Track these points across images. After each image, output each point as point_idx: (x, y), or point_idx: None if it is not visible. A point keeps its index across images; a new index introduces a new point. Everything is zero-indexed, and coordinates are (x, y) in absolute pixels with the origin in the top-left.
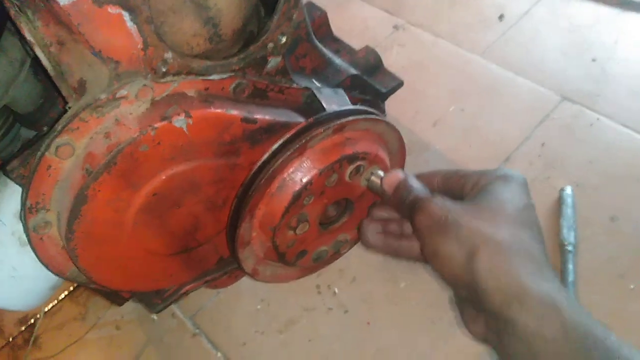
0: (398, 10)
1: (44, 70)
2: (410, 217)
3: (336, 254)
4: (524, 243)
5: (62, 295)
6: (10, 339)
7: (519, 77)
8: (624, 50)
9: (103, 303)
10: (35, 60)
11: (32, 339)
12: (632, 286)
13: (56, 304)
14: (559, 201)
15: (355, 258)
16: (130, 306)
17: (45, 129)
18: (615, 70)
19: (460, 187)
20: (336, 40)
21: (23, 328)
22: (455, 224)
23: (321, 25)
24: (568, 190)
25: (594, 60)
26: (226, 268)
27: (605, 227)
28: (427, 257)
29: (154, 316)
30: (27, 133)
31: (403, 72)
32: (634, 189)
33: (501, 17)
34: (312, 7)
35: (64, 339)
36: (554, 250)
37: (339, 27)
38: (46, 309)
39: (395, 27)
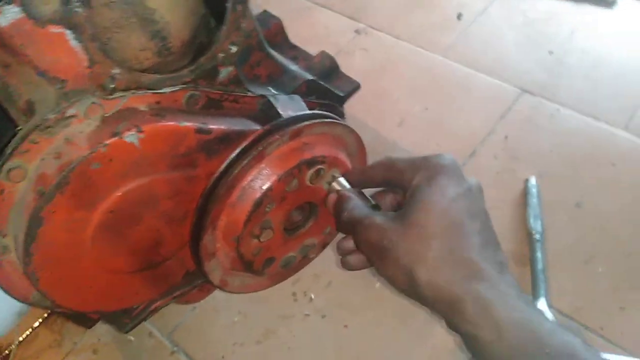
0: (359, 15)
1: None
2: (352, 238)
3: (305, 259)
4: (454, 250)
5: (37, 323)
6: None
7: (480, 74)
8: (579, 42)
9: (79, 328)
10: None
11: None
12: (600, 269)
13: (31, 333)
14: (525, 191)
15: (330, 262)
16: (106, 328)
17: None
18: (572, 61)
19: (399, 182)
20: (293, 47)
21: None
22: (391, 247)
23: (277, 33)
24: (532, 180)
25: (550, 52)
26: (194, 282)
27: (570, 213)
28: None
29: (131, 337)
30: None
31: (367, 75)
32: (596, 175)
33: (459, 16)
34: (267, 15)
35: None
36: (522, 240)
37: (301, 33)
38: (20, 339)
39: (357, 32)
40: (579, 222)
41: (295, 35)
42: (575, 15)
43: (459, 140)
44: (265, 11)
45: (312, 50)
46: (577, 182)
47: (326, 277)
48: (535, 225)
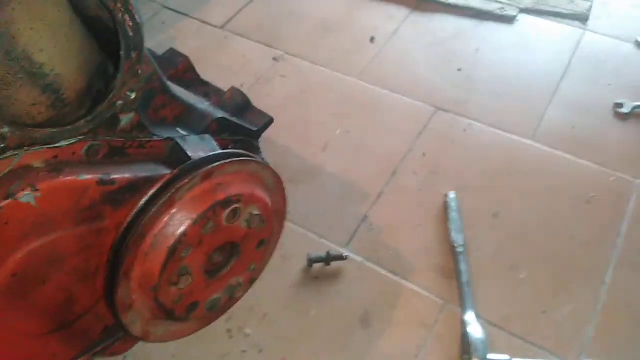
0: (276, 43)
1: None
2: None
3: (232, 299)
4: None
5: None
6: None
7: (395, 94)
8: (485, 57)
9: None
10: None
11: None
12: (522, 276)
13: None
14: (445, 206)
15: (264, 294)
16: None
17: None
18: (479, 76)
19: None
20: (204, 83)
21: None
22: None
23: (186, 71)
24: (452, 195)
25: (459, 70)
26: (115, 335)
27: (489, 223)
28: None
29: None
30: None
31: (288, 101)
32: (510, 184)
33: (372, 39)
34: (174, 53)
35: None
36: (447, 253)
37: (220, 64)
38: None
39: (275, 59)
40: (499, 232)
41: (214, 65)
42: (479, 32)
43: (381, 161)
44: (171, 49)
45: (231, 80)
46: (493, 193)
47: (261, 309)
48: (457, 238)
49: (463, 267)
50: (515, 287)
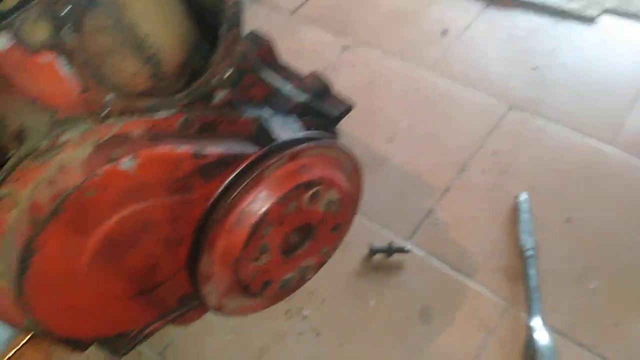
0: (346, 31)
1: None
2: None
3: (302, 280)
4: None
5: (23, 342)
6: None
7: (466, 89)
8: (562, 57)
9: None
10: None
11: None
12: (592, 286)
13: (17, 351)
14: (515, 207)
15: (324, 279)
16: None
17: None
18: (556, 76)
19: None
20: (284, 67)
21: None
22: None
23: (268, 53)
24: (523, 196)
25: (534, 68)
26: (190, 304)
27: (560, 228)
28: None
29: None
30: None
31: (355, 91)
32: (584, 190)
33: (445, 32)
34: (257, 36)
35: None
36: (514, 255)
37: (289, 51)
38: (6, 358)
39: (344, 48)
40: (570, 238)
41: (283, 52)
42: (556, 31)
43: (448, 156)
44: (253, 32)
45: (300, 66)
46: (566, 197)
47: (320, 294)
48: (528, 241)
49: (532, 271)
50: (584, 296)
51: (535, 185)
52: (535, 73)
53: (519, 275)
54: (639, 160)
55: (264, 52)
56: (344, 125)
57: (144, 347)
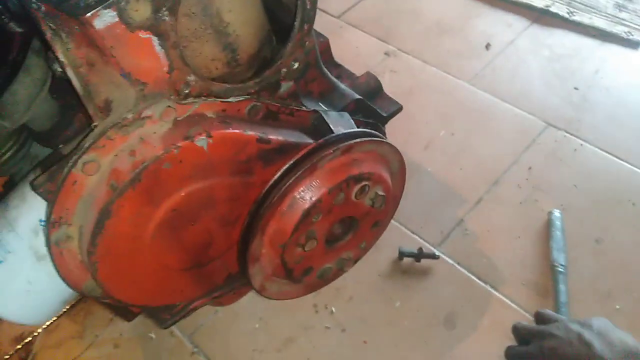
0: (389, 38)
1: (62, 90)
2: None
3: (339, 271)
4: None
5: (60, 313)
6: (6, 357)
7: (505, 104)
8: (604, 80)
9: (101, 321)
10: (55, 79)
11: (29, 357)
12: (617, 306)
13: (53, 322)
14: (548, 224)
15: (352, 278)
16: (128, 324)
17: (60, 146)
18: (596, 98)
19: None
20: (337, 65)
21: (19, 346)
22: None
23: (324, 51)
24: (557, 213)
25: (575, 88)
26: (233, 285)
27: (590, 249)
28: None
29: (152, 334)
30: (35, 150)
31: (395, 97)
32: (616, 212)
33: (488, 46)
34: (315, 33)
35: (61, 358)
36: (543, 271)
37: (333, 52)
38: (43, 327)
39: (387, 54)
40: (600, 258)
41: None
42: (600, 53)
43: (483, 168)
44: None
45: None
46: (598, 218)
47: (347, 291)
48: (559, 258)
49: (562, 287)
50: (609, 316)
51: (567, 203)
52: (575, 93)
53: (546, 290)
54: None
55: (321, 49)
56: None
57: (175, 328)
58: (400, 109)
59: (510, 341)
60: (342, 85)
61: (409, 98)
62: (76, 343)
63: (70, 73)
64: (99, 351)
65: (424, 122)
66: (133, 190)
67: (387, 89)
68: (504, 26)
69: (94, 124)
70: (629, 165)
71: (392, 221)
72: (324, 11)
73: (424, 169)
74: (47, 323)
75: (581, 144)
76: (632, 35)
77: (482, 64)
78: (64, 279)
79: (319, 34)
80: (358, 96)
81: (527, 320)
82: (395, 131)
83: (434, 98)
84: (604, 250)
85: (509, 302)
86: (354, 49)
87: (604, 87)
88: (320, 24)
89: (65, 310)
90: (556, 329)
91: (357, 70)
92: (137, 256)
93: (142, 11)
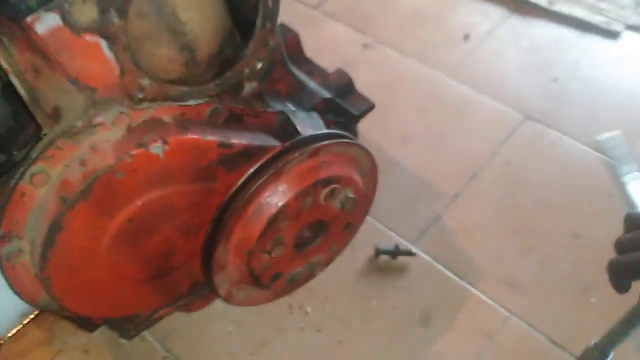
0: (367, 28)
1: (16, 93)
2: None
3: (310, 275)
4: None
5: (27, 320)
6: None
7: (484, 96)
8: (584, 71)
9: (70, 327)
10: (8, 83)
11: None
12: (592, 300)
13: (20, 329)
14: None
15: (327, 277)
16: (98, 329)
17: (14, 152)
18: (576, 89)
19: None
20: (308, 61)
21: None
22: None
23: (293, 47)
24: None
25: (554, 80)
26: (200, 292)
27: (567, 243)
28: None
29: (123, 340)
30: None
31: (372, 90)
32: (593, 205)
33: (466, 36)
34: (284, 28)
35: None
36: (521, 267)
37: (309, 44)
38: (10, 335)
39: (364, 45)
40: (575, 253)
41: (304, 44)
42: (580, 43)
43: (461, 161)
44: (281, 24)
45: (319, 61)
46: (575, 212)
47: (322, 291)
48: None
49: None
50: (584, 310)
51: (545, 197)
52: (554, 85)
53: (523, 285)
54: None
55: (290, 45)
56: (358, 123)
57: (147, 333)
58: (372, 106)
59: (487, 339)
60: (312, 84)
61: (387, 90)
62: (44, 350)
63: (14, 80)
64: (68, 358)
65: (401, 114)
66: (84, 202)
67: (365, 82)
68: (482, 16)
69: (43, 132)
70: (606, 158)
71: (367, 218)
72: (300, 1)
73: (401, 163)
74: (13, 331)
75: (560, 137)
76: (612, 25)
77: (460, 55)
78: (18, 294)
79: (289, 29)
80: (328, 95)
81: (500, 316)
82: (372, 125)
83: (412, 90)
84: (580, 244)
85: (486, 299)
86: (331, 41)
87: (583, 78)
88: (297, 15)
89: (32, 317)
90: None
91: (335, 62)
92: (93, 269)
93: (87, 13)
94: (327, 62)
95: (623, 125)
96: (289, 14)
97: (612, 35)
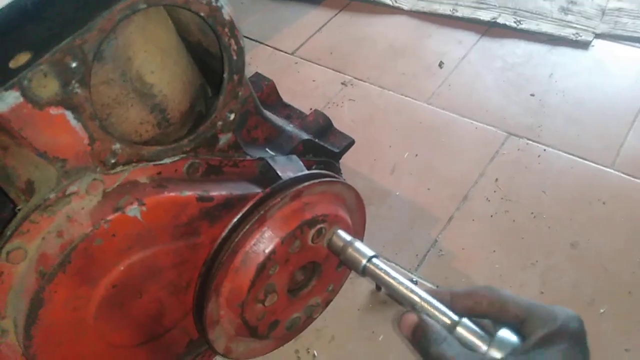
0: (344, 68)
1: None
2: None
3: (309, 319)
4: None
5: None
6: None
7: (465, 119)
8: (559, 83)
9: None
10: None
11: None
12: (601, 310)
13: None
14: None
15: (331, 316)
16: None
17: None
18: (554, 102)
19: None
20: (286, 106)
21: None
22: None
23: (270, 93)
24: None
25: (532, 95)
26: (198, 350)
27: (567, 253)
28: None
29: None
30: None
31: (356, 125)
32: (587, 214)
33: (441, 64)
34: (259, 77)
35: None
36: (524, 283)
37: (291, 88)
38: None
39: (344, 84)
40: (578, 263)
41: (285, 89)
42: (551, 57)
43: (451, 185)
44: (257, 73)
45: (302, 103)
46: (570, 222)
47: (328, 331)
48: None
49: None
50: (595, 322)
51: (538, 210)
52: (532, 100)
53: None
54: None
55: (266, 92)
56: (346, 159)
57: None
58: (352, 142)
59: None
60: (289, 127)
61: (370, 124)
62: None
63: None
64: None
65: (387, 146)
66: (64, 273)
67: (348, 118)
68: (454, 43)
69: (17, 208)
70: (594, 164)
71: None
72: (278, 49)
73: (393, 193)
74: None
75: (544, 149)
76: (581, 36)
77: (437, 83)
78: None
79: (263, 77)
80: (306, 136)
81: None
82: (359, 159)
83: (395, 122)
84: (581, 253)
85: None
86: (311, 83)
87: (559, 90)
88: (276, 61)
89: None
90: None
91: (317, 103)
92: (81, 341)
93: (49, 87)
94: (310, 103)
95: (604, 130)
96: (268, 63)
97: (583, 45)
